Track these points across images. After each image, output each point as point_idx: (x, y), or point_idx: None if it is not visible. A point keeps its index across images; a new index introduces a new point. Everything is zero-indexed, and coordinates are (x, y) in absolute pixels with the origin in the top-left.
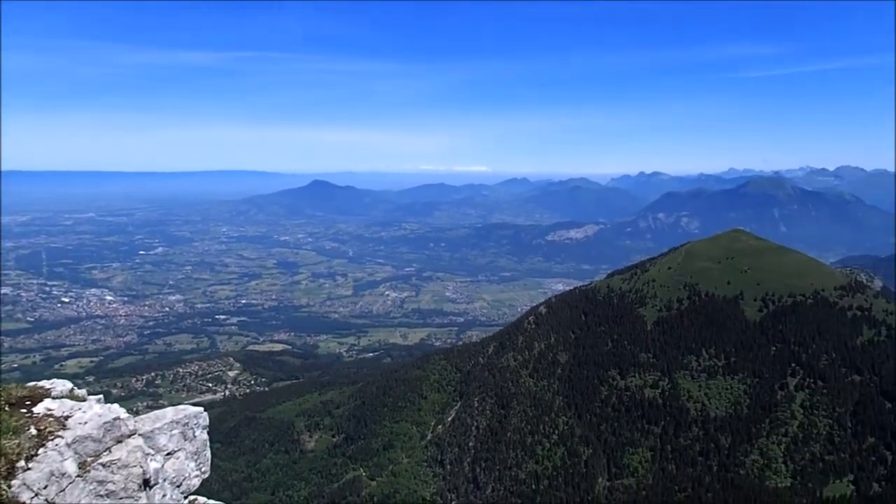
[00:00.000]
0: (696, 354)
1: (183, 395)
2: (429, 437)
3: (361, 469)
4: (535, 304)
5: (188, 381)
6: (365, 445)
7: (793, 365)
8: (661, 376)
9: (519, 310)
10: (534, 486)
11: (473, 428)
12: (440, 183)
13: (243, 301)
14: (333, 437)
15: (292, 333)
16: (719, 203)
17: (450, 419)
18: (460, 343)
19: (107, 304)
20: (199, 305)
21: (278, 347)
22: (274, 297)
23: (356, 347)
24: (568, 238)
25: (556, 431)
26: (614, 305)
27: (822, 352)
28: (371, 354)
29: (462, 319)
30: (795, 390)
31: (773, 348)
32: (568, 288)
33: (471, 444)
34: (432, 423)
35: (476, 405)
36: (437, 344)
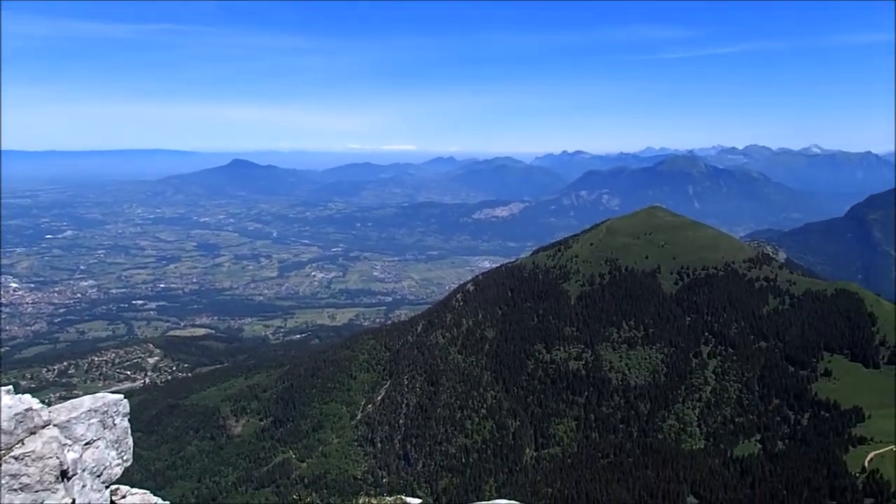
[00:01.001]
0: (616, 327)
1: (99, 385)
2: (359, 417)
3: (291, 451)
4: (462, 282)
5: (104, 369)
6: (294, 428)
7: (706, 334)
8: (584, 349)
9: (447, 288)
10: (464, 460)
11: (403, 406)
12: (366, 162)
13: (162, 285)
14: (261, 420)
15: (215, 317)
16: (638, 181)
17: (380, 398)
18: (389, 322)
19: (12, 292)
20: (114, 291)
21: (201, 332)
22: (195, 280)
23: (283, 330)
24: (494, 216)
25: (485, 405)
26: (539, 281)
27: (732, 321)
28: (298, 336)
29: (390, 299)
30: (708, 358)
31: (688, 319)
32: (494, 265)
33: (401, 421)
34: (362, 403)
35: (406, 383)
36: (366, 324)
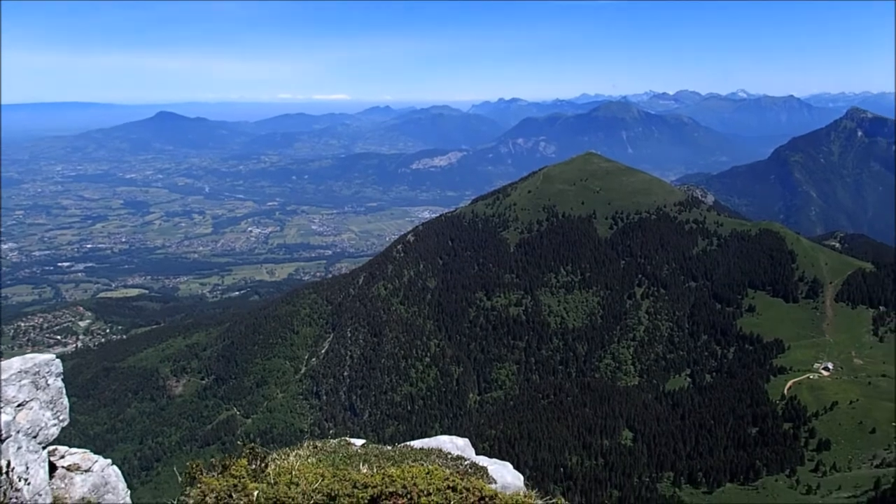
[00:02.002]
0: (554, 272)
1: (28, 351)
2: (303, 371)
3: (235, 408)
4: (402, 233)
5: (32, 335)
6: (237, 385)
7: (639, 276)
8: (524, 294)
9: (387, 239)
10: (409, 408)
11: (348, 358)
12: (300, 113)
13: (89, 246)
14: (203, 379)
15: (148, 277)
16: (573, 127)
17: (323, 351)
18: (330, 276)
19: None
20: (36, 253)
21: (134, 293)
22: (124, 239)
23: (220, 287)
24: (432, 166)
25: (429, 354)
26: (479, 230)
27: (664, 262)
28: (237, 293)
29: (330, 252)
30: (642, 298)
31: (623, 262)
32: (434, 215)
33: (346, 373)
34: (306, 357)
35: (349, 335)
36: (306, 278)
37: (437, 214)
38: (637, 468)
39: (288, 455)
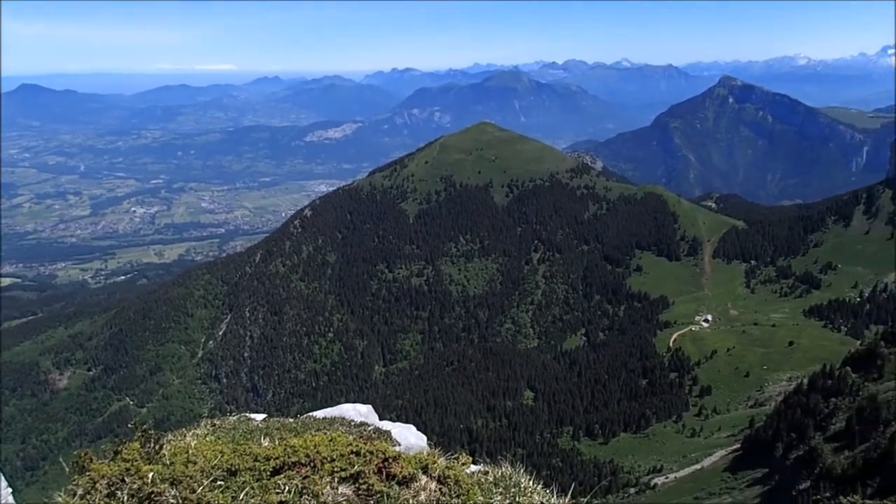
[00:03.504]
0: (454, 241)
1: None
2: (200, 355)
3: (128, 398)
4: (299, 208)
5: None
6: (128, 374)
7: (535, 241)
8: (425, 265)
9: (283, 215)
10: (314, 384)
11: (247, 338)
12: (182, 84)
13: None
14: (90, 370)
15: (20, 265)
16: (467, 97)
17: (221, 333)
18: (224, 255)
19: None
20: None
21: (5, 282)
22: None
23: (104, 272)
24: (327, 138)
25: (332, 329)
26: (378, 202)
27: (558, 228)
28: (123, 278)
29: (223, 230)
30: (538, 263)
31: (519, 229)
32: (331, 188)
33: (246, 354)
34: (203, 340)
35: (248, 315)
36: (199, 258)
37: (335, 188)
38: (539, 426)
39: (185, 435)
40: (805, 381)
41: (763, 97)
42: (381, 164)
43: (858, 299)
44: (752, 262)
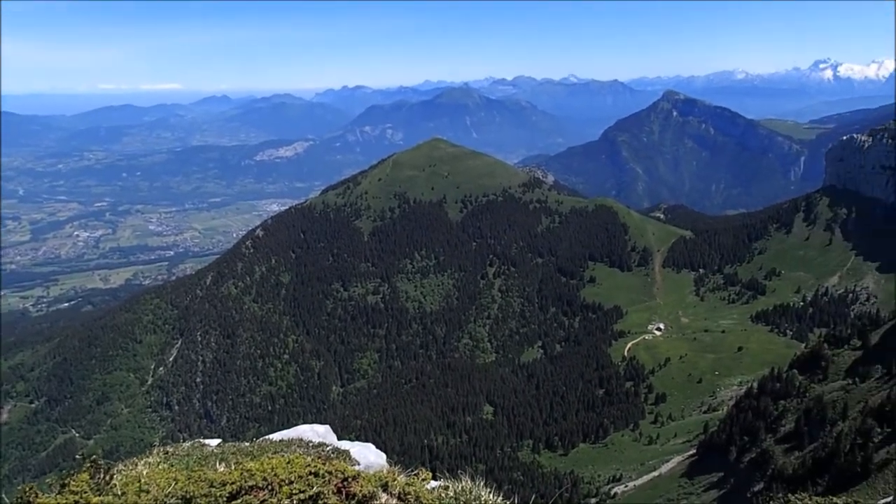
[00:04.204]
0: (410, 258)
1: None
2: (150, 382)
3: (73, 430)
4: (251, 228)
5: None
6: (74, 405)
7: (490, 256)
8: (381, 282)
9: (234, 235)
10: (270, 408)
11: (199, 363)
12: (126, 104)
13: None
14: (32, 402)
15: None
16: (419, 114)
17: (172, 359)
18: (174, 278)
19: None
20: None
21: None
22: None
23: (46, 299)
24: (278, 157)
25: (287, 350)
26: (331, 220)
27: (512, 241)
28: (66, 305)
29: (172, 253)
30: (494, 278)
31: (474, 244)
32: (283, 208)
33: (198, 379)
34: (152, 367)
35: (200, 339)
36: (147, 282)
37: (287, 207)
38: (499, 440)
39: (136, 464)
40: (755, 384)
41: (705, 110)
42: (333, 182)
43: (802, 304)
44: (701, 270)
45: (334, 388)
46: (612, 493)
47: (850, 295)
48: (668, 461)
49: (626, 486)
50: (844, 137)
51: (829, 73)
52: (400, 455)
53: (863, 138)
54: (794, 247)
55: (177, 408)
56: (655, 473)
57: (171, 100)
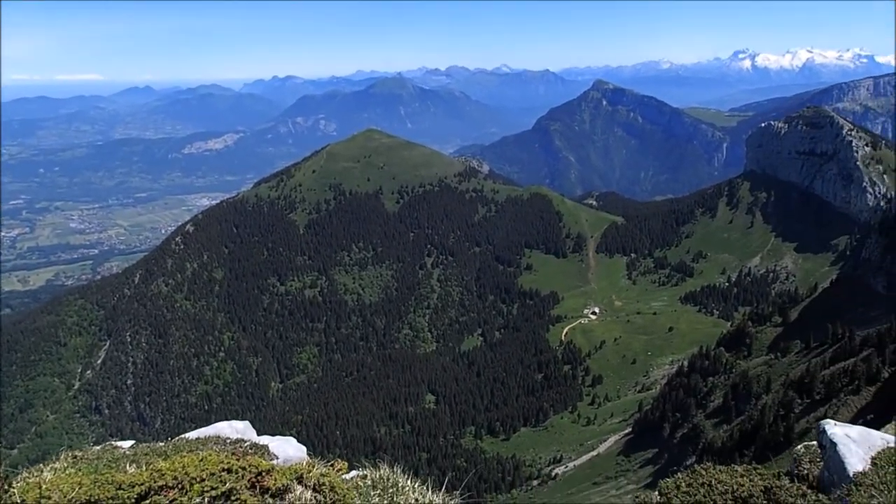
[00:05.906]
0: (347, 250)
1: None
2: (77, 386)
3: None
4: (180, 223)
5: None
6: None
7: (428, 246)
8: (318, 275)
9: (163, 232)
10: (206, 407)
11: (130, 364)
12: (41, 96)
13: None
14: None
15: None
16: (352, 104)
17: (100, 361)
18: (99, 277)
19: None
20: None
21: None
22: None
23: None
24: (207, 149)
25: (223, 348)
26: (265, 214)
27: (449, 231)
28: None
29: (96, 251)
30: (432, 268)
31: (412, 234)
32: (214, 202)
33: (129, 381)
34: (79, 370)
35: (129, 340)
36: (70, 282)
37: (218, 201)
38: (442, 428)
39: (42, 470)
40: (685, 363)
41: (633, 99)
42: (266, 175)
43: (727, 284)
44: (632, 254)
45: (273, 384)
46: (554, 474)
47: (771, 274)
48: (605, 440)
49: (567, 467)
50: (762, 125)
51: (747, 63)
52: (342, 449)
53: (779, 125)
54: (718, 230)
55: (107, 412)
56: (594, 453)
57: (90, 91)
